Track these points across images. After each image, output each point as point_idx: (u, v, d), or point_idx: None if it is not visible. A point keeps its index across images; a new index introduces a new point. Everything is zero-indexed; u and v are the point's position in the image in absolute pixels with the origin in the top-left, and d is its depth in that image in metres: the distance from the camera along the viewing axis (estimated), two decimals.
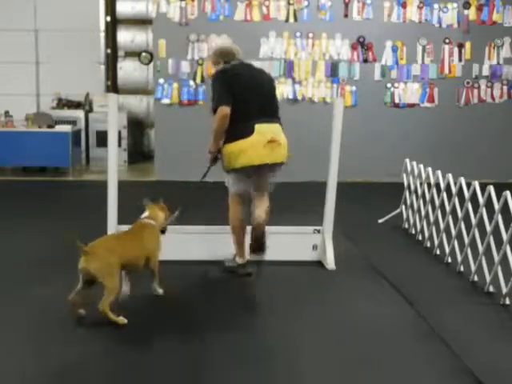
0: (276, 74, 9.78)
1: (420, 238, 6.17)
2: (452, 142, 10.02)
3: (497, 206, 4.59)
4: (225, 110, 4.52)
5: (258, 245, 4.80)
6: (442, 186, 5.60)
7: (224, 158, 4.72)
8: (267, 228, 4.86)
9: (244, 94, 4.60)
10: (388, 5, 9.85)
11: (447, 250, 5.47)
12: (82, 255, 4.01)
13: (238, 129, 4.56)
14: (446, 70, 10.00)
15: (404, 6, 9.86)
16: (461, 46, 9.95)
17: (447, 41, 9.94)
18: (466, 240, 5.09)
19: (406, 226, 6.62)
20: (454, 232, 5.33)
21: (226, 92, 4.56)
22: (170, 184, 9.08)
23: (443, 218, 5.58)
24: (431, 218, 5.85)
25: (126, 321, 3.92)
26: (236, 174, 4.77)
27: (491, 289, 4.68)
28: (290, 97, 9.85)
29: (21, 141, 9.79)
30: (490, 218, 4.70)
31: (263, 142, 4.56)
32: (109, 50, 11.83)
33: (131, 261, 4.12)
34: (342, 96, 9.77)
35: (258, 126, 4.57)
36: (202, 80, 9.83)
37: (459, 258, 5.21)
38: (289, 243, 5.35)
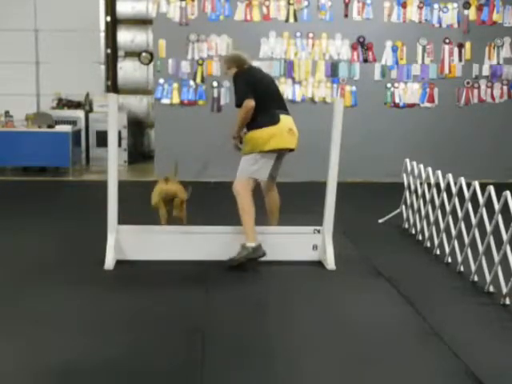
0: (276, 74, 9.78)
1: (420, 237, 6.17)
2: (452, 142, 10.03)
3: (497, 206, 4.59)
4: (251, 102, 5.18)
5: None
6: (442, 186, 5.60)
7: (250, 142, 5.29)
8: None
9: (265, 90, 5.35)
10: (388, 5, 9.86)
11: (447, 249, 5.47)
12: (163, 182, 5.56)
13: (266, 117, 5.23)
14: (446, 70, 10.00)
15: (404, 5, 9.86)
16: (461, 46, 9.96)
17: (447, 41, 9.94)
18: (466, 240, 5.08)
19: (406, 225, 6.62)
20: (454, 232, 5.33)
21: (250, 88, 5.23)
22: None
23: (443, 217, 5.58)
24: (431, 218, 5.85)
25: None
26: (263, 157, 5.27)
27: (491, 289, 4.68)
28: (290, 97, 9.86)
29: (21, 141, 9.79)
30: (490, 218, 4.70)
31: (286, 130, 5.29)
32: (109, 50, 11.84)
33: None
34: (342, 96, 9.78)
35: (281, 116, 5.30)
36: (202, 80, 9.83)
37: (459, 258, 5.21)
38: (289, 243, 5.35)
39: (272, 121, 5.27)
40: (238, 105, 5.29)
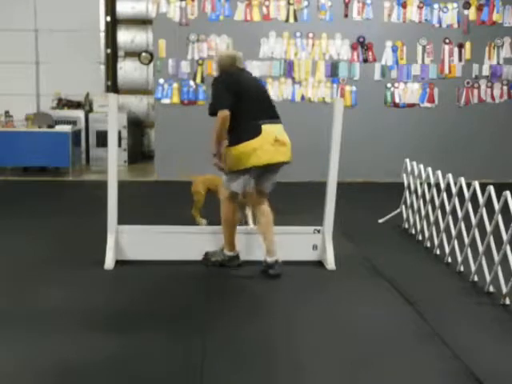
0: (276, 74, 9.80)
1: (420, 237, 6.17)
2: (452, 142, 10.02)
3: (497, 206, 4.59)
4: (225, 113, 4.67)
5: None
6: (442, 186, 5.60)
7: (230, 160, 4.81)
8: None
9: (248, 97, 4.77)
10: (388, 5, 9.85)
11: (447, 250, 5.47)
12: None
13: (246, 130, 4.72)
14: (446, 70, 10.00)
15: (404, 5, 9.86)
16: (461, 46, 9.96)
17: (447, 41, 9.94)
18: (466, 240, 5.08)
19: (406, 225, 6.62)
20: (453, 232, 5.33)
21: (227, 95, 4.71)
22: (170, 184, 9.08)
23: (443, 218, 5.58)
24: (431, 218, 5.85)
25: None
26: (244, 174, 4.85)
27: (491, 289, 4.68)
28: (290, 97, 9.86)
29: (21, 141, 9.78)
30: (490, 218, 4.70)
31: (270, 142, 4.75)
32: (109, 50, 11.84)
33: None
34: (342, 96, 9.78)
35: (264, 127, 4.76)
36: (202, 80, 9.83)
37: (459, 258, 5.21)
38: (289, 243, 5.35)
39: (253, 133, 4.73)
40: (211, 113, 4.77)
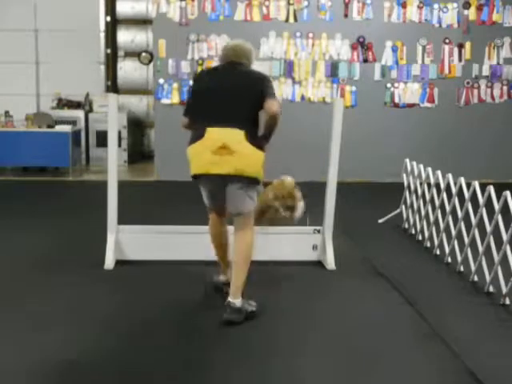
0: (276, 74, 9.79)
1: (420, 237, 6.17)
2: (452, 142, 10.02)
3: (497, 206, 4.59)
4: (183, 119, 4.37)
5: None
6: (442, 186, 5.60)
7: None
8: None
9: (203, 98, 4.20)
10: (388, 5, 9.85)
11: (447, 250, 5.47)
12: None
13: (194, 132, 4.19)
14: (446, 70, 10.00)
15: (404, 6, 9.86)
16: (461, 46, 9.96)
17: (447, 41, 9.94)
18: (466, 240, 5.08)
19: (406, 225, 6.62)
20: (453, 232, 5.33)
21: (188, 100, 4.44)
22: (170, 184, 9.09)
23: (443, 218, 5.58)
24: (431, 218, 5.85)
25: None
26: (197, 183, 4.34)
27: (491, 289, 4.68)
28: (290, 97, 9.86)
29: (21, 141, 9.78)
30: (490, 218, 4.70)
31: (212, 149, 3.99)
32: (109, 50, 11.84)
33: None
34: (342, 96, 9.78)
35: (209, 130, 4.04)
36: None
37: (459, 258, 5.21)
38: (289, 243, 5.35)
39: (196, 136, 4.12)
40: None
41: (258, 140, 4.13)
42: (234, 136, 4.00)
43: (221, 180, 4.08)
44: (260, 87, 4.12)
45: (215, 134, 4.02)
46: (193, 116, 4.25)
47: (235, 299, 4.06)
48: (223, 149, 3.96)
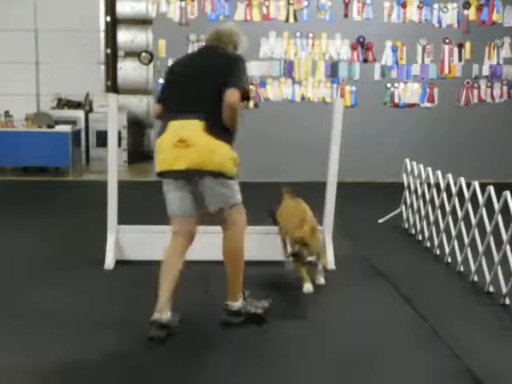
0: (276, 74, 9.80)
1: (420, 237, 6.17)
2: (452, 142, 10.02)
3: (497, 206, 4.59)
4: (154, 109, 4.08)
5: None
6: (442, 185, 5.60)
7: None
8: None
9: (171, 85, 3.95)
10: (388, 5, 9.85)
11: (447, 250, 5.47)
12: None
13: (162, 124, 3.93)
14: (446, 70, 10.00)
15: (404, 5, 9.86)
16: (461, 46, 9.96)
17: (447, 41, 9.94)
18: (466, 240, 5.08)
19: (406, 225, 6.62)
20: (453, 232, 5.33)
21: (161, 88, 4.08)
22: None
23: (443, 218, 5.58)
24: (431, 218, 5.85)
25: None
26: (163, 183, 4.01)
27: (491, 289, 4.68)
28: (290, 97, 9.86)
29: (21, 141, 9.79)
30: (490, 218, 4.70)
31: (173, 142, 3.72)
32: (109, 50, 11.84)
33: None
34: (342, 96, 9.78)
35: (172, 122, 3.79)
36: None
37: (459, 258, 5.21)
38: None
39: (162, 128, 3.86)
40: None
41: (224, 132, 3.75)
42: (192, 127, 3.71)
43: (185, 177, 3.80)
44: (226, 72, 3.77)
45: (176, 126, 3.75)
46: (163, 104, 3.95)
47: (233, 302, 3.94)
48: (181, 142, 3.68)
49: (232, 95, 3.69)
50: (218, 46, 3.99)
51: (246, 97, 3.89)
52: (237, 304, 3.96)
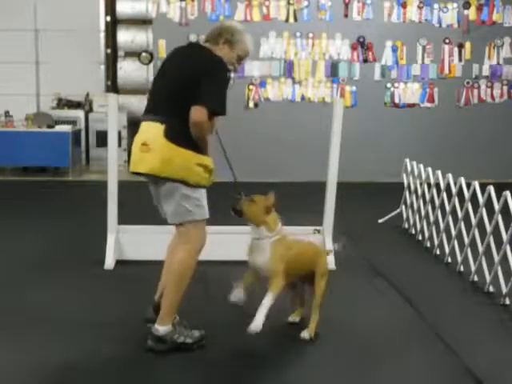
0: (276, 74, 9.80)
1: (420, 237, 6.17)
2: (452, 141, 10.02)
3: (497, 206, 4.59)
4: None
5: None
6: (442, 185, 5.60)
7: None
8: None
9: (153, 84, 3.81)
10: (388, 5, 9.85)
11: (447, 250, 5.47)
12: None
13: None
14: (446, 70, 10.00)
15: (404, 5, 9.86)
16: (461, 46, 9.95)
17: (447, 41, 9.94)
18: (466, 240, 5.09)
19: (406, 225, 6.62)
20: (453, 232, 5.33)
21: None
22: None
23: (443, 217, 5.58)
24: (431, 218, 5.85)
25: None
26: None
27: (491, 289, 4.68)
28: (290, 97, 9.86)
29: (21, 141, 9.79)
30: (490, 218, 4.70)
31: (138, 145, 3.61)
32: (109, 50, 11.83)
33: None
34: (342, 96, 9.77)
35: (142, 124, 3.67)
36: None
37: (459, 258, 5.21)
38: None
39: (136, 130, 3.75)
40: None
41: (187, 137, 3.46)
42: (154, 131, 3.51)
43: (151, 180, 3.68)
44: (197, 78, 3.46)
45: (143, 128, 3.62)
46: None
47: (159, 325, 3.53)
48: (144, 145, 3.54)
49: (196, 113, 3.40)
50: (200, 46, 3.79)
51: (216, 113, 3.50)
52: (163, 329, 3.54)
